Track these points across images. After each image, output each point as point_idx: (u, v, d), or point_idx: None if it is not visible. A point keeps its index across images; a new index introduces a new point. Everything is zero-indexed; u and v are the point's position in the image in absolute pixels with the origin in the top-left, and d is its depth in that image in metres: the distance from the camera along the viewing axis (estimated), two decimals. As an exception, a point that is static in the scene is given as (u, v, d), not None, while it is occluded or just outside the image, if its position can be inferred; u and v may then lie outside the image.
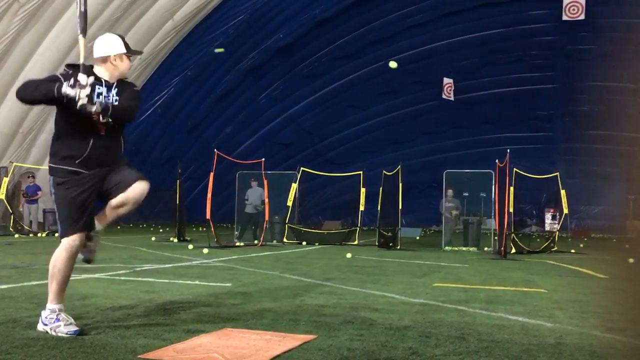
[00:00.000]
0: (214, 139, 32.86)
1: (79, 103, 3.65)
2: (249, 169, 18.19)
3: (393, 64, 16.86)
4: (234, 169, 18.17)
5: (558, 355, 3.54)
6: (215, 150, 15.06)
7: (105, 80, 3.99)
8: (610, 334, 4.23)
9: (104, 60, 4.00)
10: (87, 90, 3.67)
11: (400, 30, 32.34)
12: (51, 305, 3.84)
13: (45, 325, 3.79)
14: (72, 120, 3.85)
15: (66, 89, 3.65)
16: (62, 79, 3.77)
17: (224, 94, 33.74)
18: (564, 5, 23.20)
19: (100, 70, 4.01)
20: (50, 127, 21.60)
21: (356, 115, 36.22)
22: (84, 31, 3.91)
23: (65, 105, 3.74)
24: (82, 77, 3.67)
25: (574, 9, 23.09)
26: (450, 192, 16.42)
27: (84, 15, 3.94)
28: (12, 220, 17.68)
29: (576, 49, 30.91)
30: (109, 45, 4.02)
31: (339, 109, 35.92)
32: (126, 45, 4.08)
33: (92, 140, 3.89)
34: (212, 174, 14.67)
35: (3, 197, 17.64)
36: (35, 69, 19.48)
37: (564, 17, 23.49)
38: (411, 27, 32.10)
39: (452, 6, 30.79)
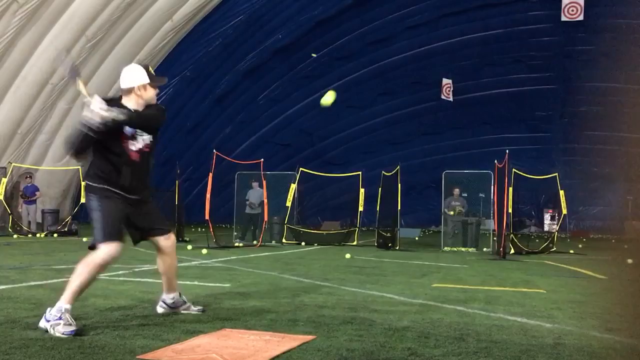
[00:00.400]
0: (213, 140, 32.85)
1: (97, 118, 3.85)
2: (248, 169, 18.19)
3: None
4: (233, 169, 18.17)
5: (557, 356, 3.54)
6: (214, 150, 15.06)
7: (135, 110, 4.18)
8: (609, 334, 4.23)
9: (129, 91, 4.19)
10: (100, 105, 3.87)
11: (399, 31, 32.36)
12: (62, 303, 3.87)
13: (48, 321, 3.81)
14: (106, 151, 4.11)
15: (91, 119, 3.87)
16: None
17: (223, 95, 33.74)
18: (563, 6, 23.23)
19: (128, 101, 4.20)
20: (48, 127, 21.61)
21: (355, 115, 36.22)
22: (78, 75, 4.12)
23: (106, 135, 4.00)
24: (91, 101, 3.90)
25: (572, 10, 23.12)
26: (457, 190, 16.46)
27: (74, 67, 4.21)
28: (10, 221, 17.65)
29: (575, 49, 30.96)
30: (132, 76, 4.20)
31: (337, 109, 35.91)
32: (150, 74, 4.24)
33: (124, 168, 4.13)
34: (211, 175, 14.67)
35: (1, 197, 17.62)
36: (34, 70, 19.48)
37: (563, 18, 23.53)
38: (410, 28, 32.13)
39: (451, 7, 30.82)
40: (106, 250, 3.99)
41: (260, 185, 16.66)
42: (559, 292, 6.61)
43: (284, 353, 3.41)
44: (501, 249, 12.41)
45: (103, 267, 4.03)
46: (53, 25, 18.97)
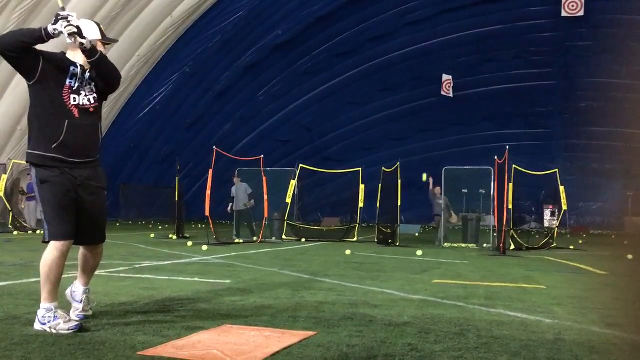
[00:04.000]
0: (213, 136, 32.82)
1: (68, 30, 3.65)
2: (248, 165, 18.18)
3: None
4: (233, 166, 18.16)
5: (557, 351, 3.54)
6: (214, 147, 15.05)
7: (81, 65, 3.95)
8: (610, 329, 4.24)
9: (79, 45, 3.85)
10: (75, 20, 3.67)
11: (399, 26, 32.31)
12: (46, 304, 3.79)
13: (44, 324, 3.75)
14: (46, 104, 3.80)
15: (52, 26, 3.66)
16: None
17: (222, 91, 33.71)
18: (563, 1, 23.20)
19: (75, 56, 3.96)
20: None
21: (355, 112, 36.19)
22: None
23: (39, 79, 3.76)
24: (65, 13, 3.69)
25: (573, 6, 23.09)
26: (437, 189, 16.57)
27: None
28: (11, 218, 17.65)
29: (575, 45, 30.93)
30: (85, 31, 3.92)
31: (337, 105, 35.90)
32: (102, 32, 4.05)
33: (66, 123, 3.80)
34: (211, 171, 14.66)
35: (2, 194, 17.61)
36: (34, 66, 19.45)
37: (563, 14, 23.50)
38: (410, 24, 32.08)
39: (450, 3, 30.78)
40: (56, 245, 3.82)
41: (243, 180, 16.66)
42: (559, 288, 6.62)
43: (284, 349, 3.41)
44: (501, 245, 12.41)
45: (63, 257, 3.84)
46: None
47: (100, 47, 3.98)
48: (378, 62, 33.95)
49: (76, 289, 4.23)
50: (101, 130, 4.08)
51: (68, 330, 3.69)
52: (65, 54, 4.00)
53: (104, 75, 3.95)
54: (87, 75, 3.96)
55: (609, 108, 31.00)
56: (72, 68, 3.89)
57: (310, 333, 3.84)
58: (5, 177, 17.87)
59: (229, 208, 16.82)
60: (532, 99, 34.18)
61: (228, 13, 29.52)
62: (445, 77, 30.56)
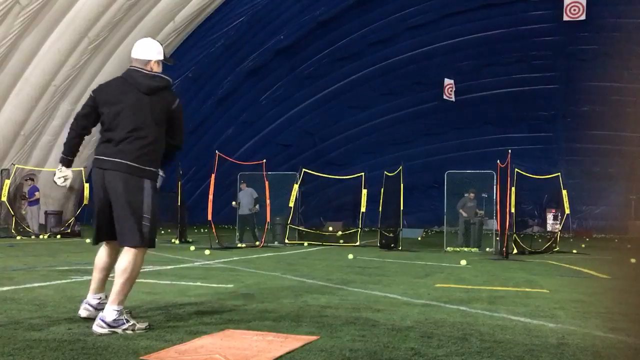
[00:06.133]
0: (215, 141, 32.89)
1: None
2: (250, 170, 18.20)
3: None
4: (236, 170, 18.19)
5: (560, 356, 3.53)
6: (216, 151, 15.07)
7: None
8: (613, 334, 4.23)
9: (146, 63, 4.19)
10: None
11: (400, 31, 32.38)
12: (120, 307, 3.91)
13: (113, 327, 3.82)
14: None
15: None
16: None
17: (225, 96, 33.79)
18: (565, 5, 23.20)
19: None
20: (50, 129, 21.62)
21: (357, 116, 36.24)
22: None
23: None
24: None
25: (574, 10, 23.09)
26: (472, 194, 16.37)
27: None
28: (14, 222, 17.68)
29: (577, 49, 30.94)
30: (151, 49, 4.25)
31: (339, 110, 35.95)
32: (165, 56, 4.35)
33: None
34: (213, 176, 14.68)
35: (5, 199, 17.65)
36: (37, 71, 19.51)
37: (565, 18, 23.50)
38: (412, 28, 32.15)
39: (452, 7, 30.83)
40: (143, 254, 4.07)
41: (249, 185, 16.68)
42: (562, 292, 6.60)
43: (287, 353, 3.41)
44: (504, 249, 12.39)
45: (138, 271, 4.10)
46: (55, 27, 19.01)
47: (155, 67, 4.19)
48: (380, 67, 34.01)
49: (96, 300, 4.32)
50: None
51: (141, 329, 3.90)
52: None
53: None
54: None
55: (611, 111, 31.00)
56: None
57: (313, 337, 3.84)
58: (8, 182, 17.91)
59: (234, 203, 16.85)
60: (534, 103, 34.19)
61: (230, 18, 29.61)
62: (447, 81, 30.58)
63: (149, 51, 4.17)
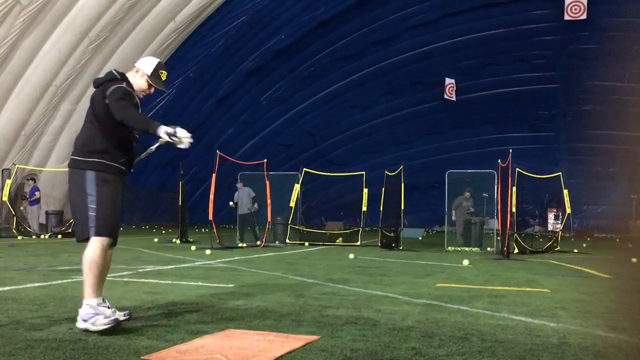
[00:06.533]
0: (216, 141, 32.89)
1: (184, 145, 3.97)
2: (251, 170, 18.20)
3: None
4: (236, 170, 18.19)
5: (562, 355, 3.53)
6: (217, 151, 15.07)
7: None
8: (614, 333, 4.22)
9: (137, 71, 4.33)
10: (180, 134, 3.93)
11: (401, 30, 32.35)
12: (91, 299, 3.89)
13: (85, 320, 3.81)
14: (126, 130, 4.13)
15: (164, 136, 3.92)
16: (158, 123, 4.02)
17: (225, 96, 33.78)
18: (566, 4, 23.18)
19: (132, 77, 4.33)
20: (51, 129, 21.63)
21: (358, 116, 36.22)
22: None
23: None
24: (182, 132, 3.95)
25: (575, 9, 23.07)
26: (467, 194, 16.42)
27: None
28: (15, 222, 17.70)
29: (578, 48, 30.91)
30: (148, 64, 4.37)
31: (340, 109, 35.94)
32: (156, 73, 4.33)
33: (133, 145, 4.26)
34: (214, 176, 14.69)
35: (6, 199, 17.66)
36: (38, 71, 19.52)
37: (566, 17, 23.49)
38: (412, 28, 32.12)
39: (453, 6, 30.80)
40: (99, 243, 3.95)
41: (249, 185, 16.70)
42: (563, 292, 6.60)
43: (287, 353, 3.41)
44: (505, 249, 12.39)
45: (106, 250, 3.98)
46: (56, 27, 19.02)
47: (144, 84, 4.30)
48: (381, 66, 34.00)
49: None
50: None
51: (104, 325, 3.76)
52: (127, 79, 4.28)
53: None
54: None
55: (612, 111, 30.99)
56: (136, 100, 4.27)
57: (314, 337, 3.84)
58: (9, 182, 17.93)
59: (232, 203, 16.84)
60: (535, 102, 34.17)
61: (231, 18, 29.60)
62: (448, 80, 30.58)
63: (143, 63, 4.37)
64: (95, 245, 3.96)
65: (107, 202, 4.01)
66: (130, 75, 4.30)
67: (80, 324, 3.85)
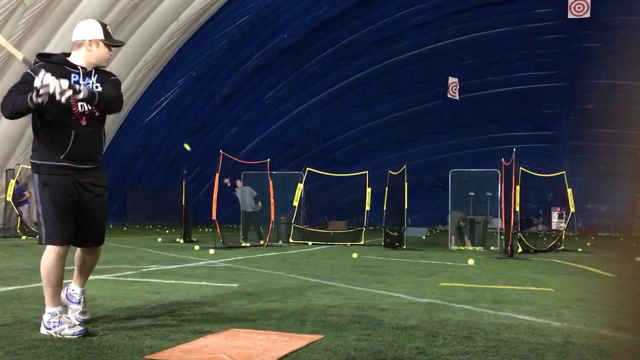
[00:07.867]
0: (219, 140, 32.93)
1: (64, 97, 3.53)
2: (254, 169, 18.21)
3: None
4: (239, 169, 18.20)
5: (566, 355, 3.52)
6: (220, 150, 15.08)
7: (82, 67, 3.88)
8: (619, 332, 4.21)
9: (80, 45, 3.87)
10: (65, 83, 3.53)
11: (404, 29, 32.33)
12: (50, 308, 3.80)
13: (49, 329, 3.76)
14: (53, 113, 3.72)
15: (36, 98, 3.53)
16: (33, 79, 3.60)
17: (229, 95, 33.82)
18: (570, 3, 23.13)
19: (76, 56, 3.90)
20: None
21: (361, 115, 36.21)
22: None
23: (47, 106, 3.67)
24: (46, 78, 3.50)
25: (579, 7, 23.02)
26: (463, 222, 16.16)
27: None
28: (19, 222, 17.73)
29: (582, 47, 30.82)
30: (86, 30, 3.89)
31: (343, 109, 35.93)
32: (106, 32, 3.94)
33: (74, 132, 3.78)
34: (217, 175, 14.69)
35: (10, 199, 17.69)
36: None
37: (570, 15, 23.43)
38: (415, 27, 32.09)
39: (456, 5, 30.76)
40: (50, 251, 3.78)
41: (246, 184, 16.72)
42: (568, 291, 6.58)
43: (291, 353, 3.40)
44: (509, 248, 12.37)
45: (61, 259, 3.80)
46: (60, 27, 19.08)
47: (103, 49, 3.92)
48: (384, 65, 33.97)
49: (73, 291, 4.18)
50: (104, 133, 4.10)
51: (73, 335, 3.69)
52: (68, 55, 3.94)
53: (104, 109, 3.91)
54: (93, 79, 3.89)
55: (616, 110, 30.87)
56: (73, 76, 3.81)
57: (318, 337, 3.84)
58: (13, 182, 17.97)
59: (226, 180, 16.42)
60: (538, 101, 34.08)
61: (234, 17, 29.64)
62: (451, 79, 30.54)
63: (87, 32, 3.89)
64: (47, 253, 3.79)
65: (48, 206, 3.75)
66: (81, 54, 3.87)
67: (43, 331, 3.79)
